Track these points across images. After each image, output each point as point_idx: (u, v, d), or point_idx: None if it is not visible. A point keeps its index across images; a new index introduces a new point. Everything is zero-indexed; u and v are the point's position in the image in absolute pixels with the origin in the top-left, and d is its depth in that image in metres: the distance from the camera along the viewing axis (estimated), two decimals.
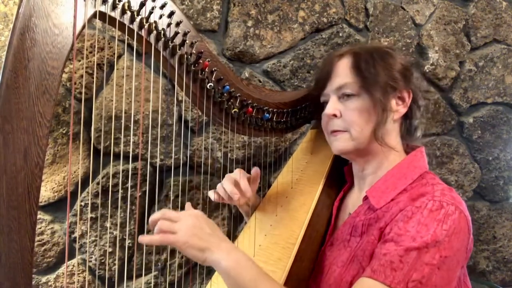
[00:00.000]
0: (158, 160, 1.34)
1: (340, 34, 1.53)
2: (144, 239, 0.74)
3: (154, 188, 1.32)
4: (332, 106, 0.90)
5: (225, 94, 0.94)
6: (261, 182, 1.10)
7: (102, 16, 0.74)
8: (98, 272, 1.31)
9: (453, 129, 1.73)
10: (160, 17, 0.81)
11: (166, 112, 1.36)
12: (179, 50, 0.85)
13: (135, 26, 0.78)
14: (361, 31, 1.57)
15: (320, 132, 1.00)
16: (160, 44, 0.83)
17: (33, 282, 1.25)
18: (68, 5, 0.68)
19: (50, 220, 1.26)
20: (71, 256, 1.28)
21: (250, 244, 0.96)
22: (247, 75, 1.42)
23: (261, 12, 1.44)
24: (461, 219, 0.76)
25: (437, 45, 1.66)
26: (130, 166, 1.31)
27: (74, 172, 1.28)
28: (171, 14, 0.83)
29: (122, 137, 1.30)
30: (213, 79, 0.91)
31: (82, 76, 1.26)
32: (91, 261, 1.30)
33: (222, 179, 1.01)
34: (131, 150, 1.31)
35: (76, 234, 1.29)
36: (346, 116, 0.88)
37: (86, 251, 1.29)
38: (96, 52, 1.28)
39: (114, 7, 0.75)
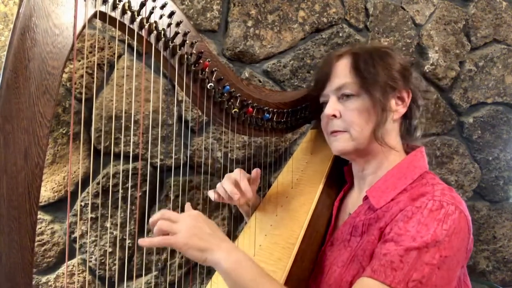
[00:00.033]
0: (158, 160, 1.34)
1: (340, 34, 1.53)
2: (144, 242, 0.74)
3: (154, 188, 1.32)
4: (332, 106, 0.90)
5: (225, 94, 0.94)
6: (261, 182, 1.10)
7: (103, 16, 0.74)
8: (98, 272, 1.31)
9: (453, 129, 1.73)
10: (161, 17, 0.81)
11: (166, 112, 1.36)
12: (179, 50, 0.85)
13: (135, 26, 0.78)
14: (361, 31, 1.57)
15: (320, 132, 1.00)
16: (161, 44, 0.83)
17: (33, 282, 1.25)
18: (68, 5, 0.68)
19: (50, 220, 1.26)
20: (71, 256, 1.28)
21: (250, 244, 0.96)
22: (247, 75, 1.42)
23: (261, 12, 1.44)
24: (461, 219, 0.76)
25: (437, 45, 1.66)
26: (130, 166, 1.31)
27: (74, 172, 1.28)
28: (171, 14, 0.83)
29: (122, 137, 1.30)
30: (213, 79, 0.91)
31: (82, 76, 1.26)
32: (91, 261, 1.30)
33: (222, 179, 1.01)
34: (131, 150, 1.31)
35: (76, 234, 1.29)
36: (345, 116, 0.88)
37: (86, 251, 1.29)
38: (96, 52, 1.28)
39: (114, 7, 0.75)
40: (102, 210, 1.29)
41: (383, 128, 0.86)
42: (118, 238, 1.30)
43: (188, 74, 0.88)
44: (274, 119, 1.03)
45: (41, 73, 0.65)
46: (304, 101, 1.08)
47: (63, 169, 1.26)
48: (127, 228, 1.33)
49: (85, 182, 1.27)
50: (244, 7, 1.41)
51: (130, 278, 1.30)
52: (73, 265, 1.28)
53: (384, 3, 1.59)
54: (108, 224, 1.30)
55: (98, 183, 1.28)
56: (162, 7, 0.81)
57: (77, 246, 1.28)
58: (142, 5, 0.77)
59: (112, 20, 0.76)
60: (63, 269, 1.28)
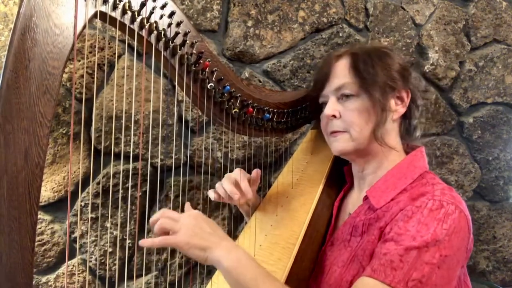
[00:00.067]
0: (158, 160, 1.34)
1: (340, 34, 1.53)
2: (146, 242, 0.74)
3: (154, 188, 1.32)
4: (331, 107, 0.90)
5: (225, 94, 0.94)
6: (261, 182, 1.10)
7: (103, 16, 0.74)
8: (98, 272, 1.31)
9: (453, 129, 1.73)
10: (161, 17, 0.82)
11: (166, 112, 1.36)
12: (179, 50, 0.85)
13: (135, 26, 0.78)
14: (361, 31, 1.57)
15: (320, 132, 1.00)
16: (161, 44, 0.83)
17: (33, 282, 1.25)
18: (68, 5, 0.68)
19: (50, 220, 1.26)
20: (71, 256, 1.28)
21: (251, 244, 0.96)
22: (247, 75, 1.42)
23: (261, 12, 1.44)
24: (461, 219, 0.76)
25: (437, 45, 1.67)
26: (131, 166, 1.31)
27: (74, 172, 1.28)
28: (171, 14, 0.83)
29: (122, 137, 1.30)
30: (213, 79, 0.91)
31: (82, 76, 1.26)
32: (91, 261, 1.30)
33: (222, 179, 1.01)
34: (131, 150, 1.31)
35: (76, 234, 1.29)
36: (345, 116, 0.88)
37: (86, 251, 1.29)
38: (96, 52, 1.28)
39: (114, 7, 0.75)
40: (102, 210, 1.29)
41: (383, 128, 0.87)
42: (118, 238, 1.30)
43: (188, 74, 0.88)
44: (274, 119, 1.03)
45: (42, 73, 0.65)
46: (304, 101, 1.08)
47: (63, 169, 1.26)
48: (127, 228, 1.33)
49: (85, 182, 1.27)
50: (244, 7, 1.41)
51: (130, 278, 1.30)
52: (73, 265, 1.28)
53: (384, 3, 1.59)
54: (108, 224, 1.30)
55: (98, 183, 1.28)
56: (163, 7, 0.81)
57: (77, 246, 1.28)
58: (143, 5, 0.77)
59: (113, 20, 0.76)
60: (63, 269, 1.28)
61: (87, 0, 0.70)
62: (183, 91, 0.89)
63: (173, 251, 1.38)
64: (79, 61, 1.26)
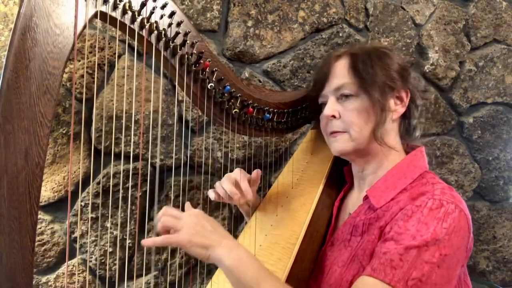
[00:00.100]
0: (158, 160, 1.34)
1: (340, 34, 1.53)
2: (147, 242, 0.75)
3: (154, 188, 1.32)
4: (331, 107, 0.90)
5: (225, 94, 0.94)
6: (261, 182, 1.10)
7: (103, 16, 0.74)
8: (98, 272, 1.31)
9: (453, 129, 1.73)
10: (161, 17, 0.82)
11: (166, 112, 1.36)
12: (180, 50, 0.85)
13: (136, 26, 0.78)
14: (361, 31, 1.57)
15: (320, 133, 1.00)
16: (161, 44, 0.83)
17: (33, 282, 1.25)
18: (69, 5, 0.68)
19: (50, 220, 1.26)
20: (71, 256, 1.28)
21: (251, 244, 0.96)
22: (247, 75, 1.42)
23: (261, 12, 1.44)
24: (461, 218, 0.76)
25: (437, 45, 1.67)
26: (131, 166, 1.31)
27: (75, 172, 1.28)
28: (172, 14, 0.83)
29: (122, 137, 1.30)
30: (213, 79, 0.91)
31: (82, 76, 1.26)
32: (91, 261, 1.30)
33: (222, 179, 1.01)
34: (131, 150, 1.31)
35: (76, 234, 1.29)
36: (345, 116, 0.88)
37: (86, 251, 1.29)
38: (96, 52, 1.28)
39: (115, 7, 0.75)
40: (102, 210, 1.29)
41: (382, 128, 0.87)
42: (118, 238, 1.30)
43: (188, 74, 0.88)
44: (275, 119, 1.03)
45: (42, 73, 0.65)
46: (304, 101, 1.08)
47: (63, 169, 1.26)
48: (127, 228, 1.33)
49: (85, 182, 1.27)
50: (244, 7, 1.41)
51: (130, 278, 1.30)
52: (73, 265, 1.28)
53: (384, 3, 1.59)
54: (108, 224, 1.30)
55: (98, 183, 1.28)
56: (163, 7, 0.81)
57: (77, 246, 1.28)
58: (143, 5, 0.77)
59: (113, 20, 0.76)
60: (63, 269, 1.28)
61: (87, 0, 0.70)
62: (183, 91, 0.89)
63: (173, 251, 1.38)
64: (79, 61, 1.26)
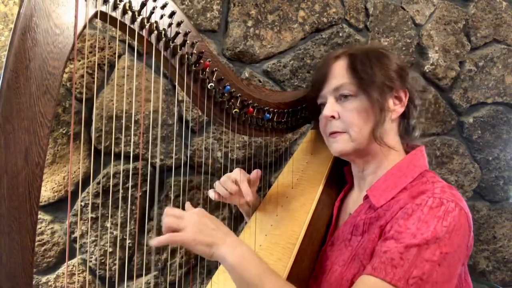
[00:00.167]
0: (158, 160, 1.34)
1: (340, 34, 1.53)
2: (153, 242, 0.75)
3: (154, 188, 1.32)
4: (330, 107, 0.90)
5: (226, 94, 0.94)
6: (261, 182, 1.10)
7: (103, 16, 0.74)
8: (98, 272, 1.31)
9: (453, 129, 1.73)
10: (161, 17, 0.82)
11: (166, 112, 1.36)
12: (180, 50, 0.85)
13: (136, 26, 0.78)
14: (361, 31, 1.57)
15: (320, 133, 1.00)
16: (161, 44, 0.83)
17: (33, 282, 1.25)
18: (69, 5, 0.68)
19: (50, 220, 1.26)
20: (71, 256, 1.28)
21: (251, 244, 0.96)
22: (247, 75, 1.42)
23: (261, 12, 1.44)
24: (461, 216, 0.76)
25: (437, 45, 1.67)
26: (131, 166, 1.31)
27: (75, 172, 1.28)
28: (172, 14, 0.83)
29: (122, 137, 1.30)
30: (213, 79, 0.91)
31: (82, 76, 1.26)
32: (91, 261, 1.30)
33: (221, 178, 1.02)
34: (131, 150, 1.31)
35: (76, 234, 1.29)
36: (344, 117, 0.88)
37: (86, 251, 1.29)
38: (96, 52, 1.28)
39: (115, 7, 0.75)
40: (102, 210, 1.29)
41: (382, 128, 0.87)
42: (118, 238, 1.30)
43: (188, 74, 0.88)
44: (275, 119, 1.03)
45: (42, 73, 0.65)
46: (304, 101, 1.08)
47: (63, 169, 1.26)
48: (127, 228, 1.33)
49: (85, 182, 1.27)
50: (244, 7, 1.41)
51: (130, 278, 1.30)
52: (73, 265, 1.28)
53: (384, 3, 1.59)
54: (108, 224, 1.30)
55: (98, 183, 1.28)
56: (163, 7, 0.81)
57: (77, 246, 1.28)
58: (143, 5, 0.77)
59: (113, 20, 0.76)
60: (63, 269, 1.28)
61: (87, 0, 0.70)
62: (183, 91, 0.89)
63: (173, 251, 1.38)
64: (79, 61, 1.26)
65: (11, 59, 0.63)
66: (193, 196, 1.38)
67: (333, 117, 0.90)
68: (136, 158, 1.31)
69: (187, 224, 0.76)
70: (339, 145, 0.90)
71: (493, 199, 1.79)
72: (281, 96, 1.07)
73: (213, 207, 1.39)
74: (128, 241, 1.31)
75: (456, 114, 1.73)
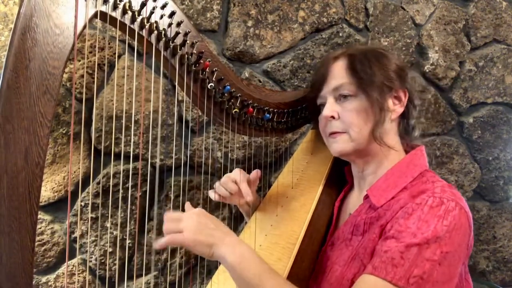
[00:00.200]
0: (158, 160, 1.34)
1: (340, 34, 1.53)
2: (156, 245, 0.76)
3: (154, 188, 1.32)
4: (330, 108, 0.90)
5: (225, 94, 0.94)
6: (261, 182, 1.10)
7: (103, 16, 0.74)
8: (98, 272, 1.31)
9: (453, 129, 1.73)
10: (161, 17, 0.81)
11: (166, 112, 1.36)
12: (180, 50, 0.85)
13: (136, 26, 0.78)
14: (361, 31, 1.57)
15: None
16: (161, 44, 0.83)
17: (33, 282, 1.25)
18: (69, 5, 0.68)
19: (50, 220, 1.26)
20: (71, 256, 1.28)
21: (251, 244, 0.96)
22: (247, 75, 1.42)
23: (261, 12, 1.44)
24: (462, 215, 0.76)
25: (437, 45, 1.67)
26: (131, 166, 1.31)
27: (75, 172, 1.28)
28: (172, 14, 0.83)
29: (122, 137, 1.30)
30: (213, 79, 0.91)
31: (82, 76, 1.26)
32: (91, 261, 1.30)
33: (222, 179, 1.02)
34: (131, 150, 1.31)
35: (76, 234, 1.29)
36: (344, 117, 0.88)
37: (86, 251, 1.29)
38: (96, 52, 1.28)
39: (115, 7, 0.75)
40: (102, 210, 1.29)
41: (382, 128, 0.87)
42: (118, 238, 1.30)
43: (188, 74, 0.88)
44: (275, 119, 1.03)
45: (42, 73, 0.65)
46: (304, 101, 1.08)
47: (63, 169, 1.26)
48: (127, 228, 1.33)
49: (85, 182, 1.27)
50: (244, 7, 1.41)
51: (130, 278, 1.30)
52: (73, 265, 1.28)
53: (384, 3, 1.59)
54: (108, 224, 1.30)
55: (98, 183, 1.28)
56: (163, 7, 0.81)
57: (77, 246, 1.28)
58: (143, 5, 0.77)
59: (113, 20, 0.76)
60: (63, 269, 1.28)
61: (87, 0, 0.70)
62: (183, 91, 0.89)
63: (173, 251, 1.38)
64: (79, 61, 1.26)
65: (11, 59, 0.63)
66: (193, 196, 1.38)
67: (332, 117, 0.90)
68: (136, 158, 1.31)
69: (186, 226, 0.76)
70: (339, 145, 0.90)
71: (493, 199, 1.79)
72: (281, 96, 1.07)
73: (213, 207, 1.39)
74: (128, 241, 1.31)
75: (456, 114, 1.73)
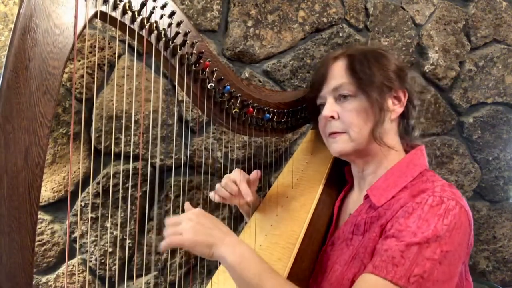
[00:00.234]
0: (158, 160, 1.34)
1: (340, 34, 1.53)
2: (161, 248, 0.77)
3: (154, 188, 1.32)
4: (330, 108, 0.90)
5: (225, 94, 0.94)
6: (261, 182, 1.10)
7: (103, 16, 0.74)
8: (98, 272, 1.31)
9: (453, 129, 1.73)
10: (161, 17, 0.82)
11: (166, 112, 1.36)
12: (179, 50, 0.85)
13: (136, 26, 0.78)
14: (361, 31, 1.57)
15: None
16: (161, 44, 0.83)
17: (33, 282, 1.25)
18: (69, 5, 0.68)
19: (50, 220, 1.26)
20: (71, 256, 1.28)
21: (251, 244, 0.96)
22: (247, 75, 1.42)
23: (261, 12, 1.44)
24: (462, 214, 0.76)
25: (437, 45, 1.67)
26: (131, 166, 1.31)
27: (75, 172, 1.28)
28: (172, 14, 0.83)
29: (122, 137, 1.30)
30: (213, 79, 0.91)
31: (82, 76, 1.26)
32: (91, 261, 1.30)
33: (222, 180, 1.02)
34: (131, 150, 1.31)
35: (76, 234, 1.29)
36: (344, 117, 0.89)
37: (86, 251, 1.29)
38: (96, 52, 1.28)
39: (115, 7, 0.75)
40: (102, 210, 1.29)
41: (381, 128, 0.87)
42: (118, 238, 1.30)
43: (188, 74, 0.88)
44: (275, 119, 1.03)
45: (42, 73, 0.65)
46: (304, 101, 1.08)
47: (63, 169, 1.26)
48: (127, 228, 1.33)
49: (85, 182, 1.27)
50: (244, 7, 1.41)
51: (130, 278, 1.30)
52: (73, 265, 1.28)
53: (384, 3, 1.59)
54: (108, 224, 1.30)
55: (98, 183, 1.28)
56: (163, 7, 0.81)
57: (77, 246, 1.28)
58: (143, 5, 0.77)
59: (113, 20, 0.76)
60: (63, 269, 1.28)
61: (87, 0, 0.70)
62: (183, 91, 0.89)
63: (173, 251, 1.38)
64: (79, 61, 1.26)
65: (11, 59, 0.63)
66: (193, 196, 1.38)
67: (332, 117, 0.90)
68: (136, 158, 1.31)
69: (185, 227, 0.77)
70: (338, 146, 0.90)
71: (493, 199, 1.79)
72: (281, 96, 1.07)
73: (213, 207, 1.39)
74: (128, 241, 1.31)
75: (456, 114, 1.73)
